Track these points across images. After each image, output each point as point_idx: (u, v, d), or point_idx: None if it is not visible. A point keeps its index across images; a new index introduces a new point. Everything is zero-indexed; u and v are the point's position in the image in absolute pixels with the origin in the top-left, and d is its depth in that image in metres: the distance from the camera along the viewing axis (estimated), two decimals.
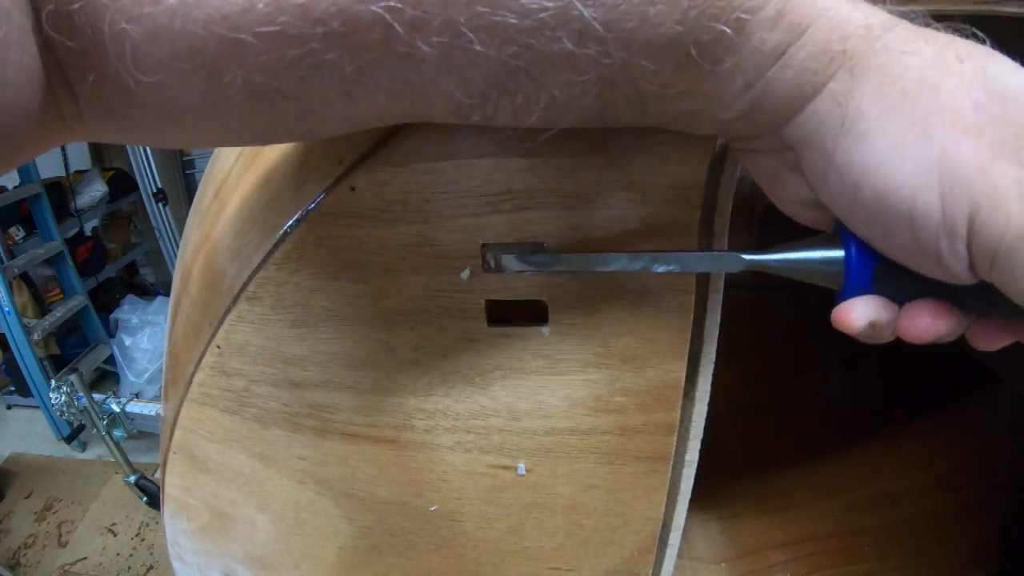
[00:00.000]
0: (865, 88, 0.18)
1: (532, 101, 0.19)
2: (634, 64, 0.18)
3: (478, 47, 0.17)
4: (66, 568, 1.56)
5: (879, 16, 0.18)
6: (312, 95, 0.18)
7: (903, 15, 0.19)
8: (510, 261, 0.24)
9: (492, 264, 0.25)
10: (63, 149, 2.09)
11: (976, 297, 0.20)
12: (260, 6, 0.16)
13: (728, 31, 0.17)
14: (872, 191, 0.18)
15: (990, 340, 0.21)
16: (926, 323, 0.20)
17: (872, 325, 0.21)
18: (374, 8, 0.16)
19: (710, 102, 0.19)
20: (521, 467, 0.30)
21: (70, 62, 0.17)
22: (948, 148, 0.17)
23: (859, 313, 0.21)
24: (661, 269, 0.23)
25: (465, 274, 0.26)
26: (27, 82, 0.17)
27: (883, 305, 0.21)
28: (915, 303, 0.21)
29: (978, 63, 0.18)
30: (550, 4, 0.17)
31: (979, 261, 0.18)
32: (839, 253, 0.21)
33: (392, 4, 0.16)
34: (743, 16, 0.17)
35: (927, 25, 0.19)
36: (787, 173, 0.21)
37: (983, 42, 0.19)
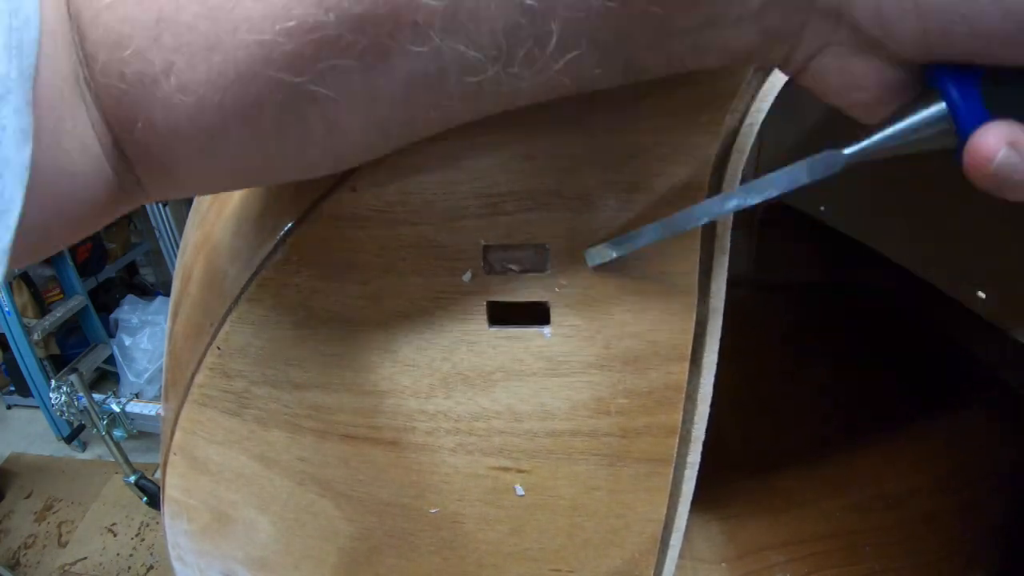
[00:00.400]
0: None
1: (543, 39, 0.18)
2: None
3: None
4: (66, 568, 1.56)
5: None
6: (333, 92, 0.19)
7: None
8: (592, 255, 0.24)
9: (589, 262, 0.25)
10: None
11: None
12: (279, 6, 0.18)
13: None
14: None
15: None
16: None
17: (1013, 145, 0.17)
18: None
19: None
20: (519, 488, 0.30)
21: (120, 117, 0.19)
22: None
23: (995, 135, 0.17)
24: (757, 200, 0.21)
25: (467, 276, 0.26)
26: (94, 171, 0.20)
27: (1017, 125, 0.18)
28: None
29: None
30: None
31: None
32: (941, 104, 0.18)
33: None
34: None
35: None
36: (855, 60, 0.19)
37: None
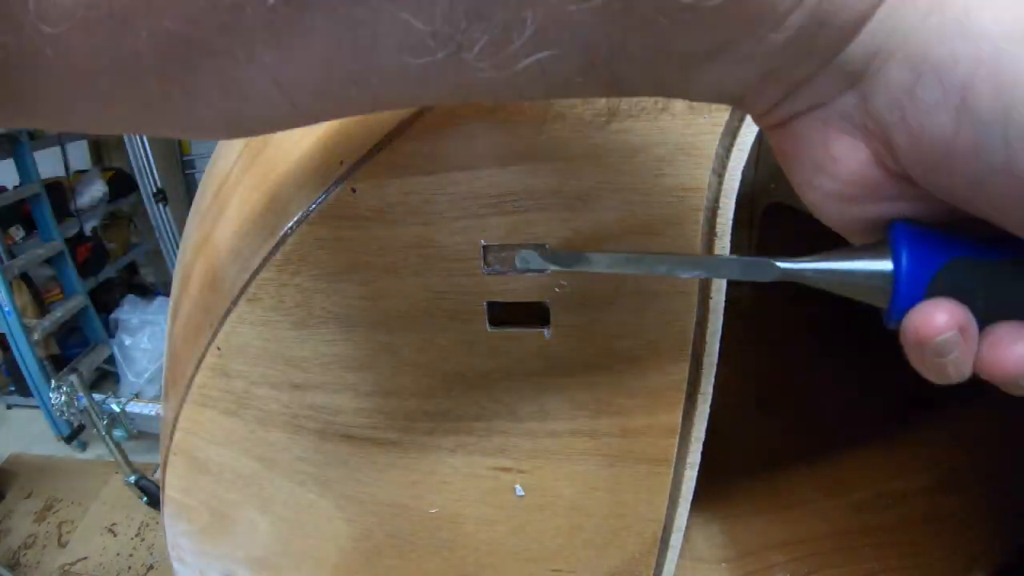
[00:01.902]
0: None
1: (514, 28, 0.14)
2: None
3: None
4: (66, 568, 1.56)
5: None
6: (234, 46, 0.15)
7: None
8: (525, 258, 0.24)
9: (519, 264, 0.24)
10: (63, 149, 2.08)
11: None
12: None
13: None
14: (994, 88, 0.13)
15: None
16: (1020, 351, 0.15)
17: (962, 331, 0.16)
18: None
19: (754, 22, 0.14)
20: (519, 488, 0.30)
21: None
22: None
23: (945, 316, 0.16)
24: (687, 275, 0.22)
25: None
26: None
27: (967, 314, 0.16)
28: (1000, 326, 0.16)
29: None
30: None
31: None
32: (887, 265, 0.18)
33: None
34: None
35: None
36: (842, 139, 0.17)
37: None
